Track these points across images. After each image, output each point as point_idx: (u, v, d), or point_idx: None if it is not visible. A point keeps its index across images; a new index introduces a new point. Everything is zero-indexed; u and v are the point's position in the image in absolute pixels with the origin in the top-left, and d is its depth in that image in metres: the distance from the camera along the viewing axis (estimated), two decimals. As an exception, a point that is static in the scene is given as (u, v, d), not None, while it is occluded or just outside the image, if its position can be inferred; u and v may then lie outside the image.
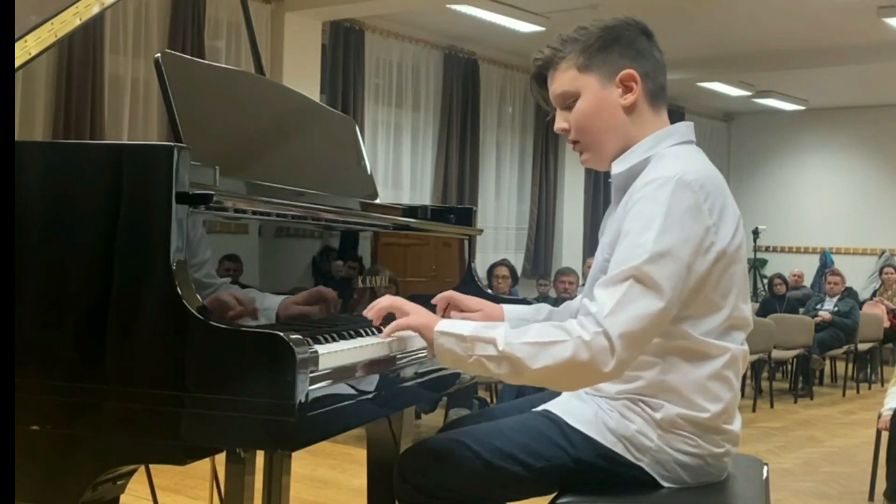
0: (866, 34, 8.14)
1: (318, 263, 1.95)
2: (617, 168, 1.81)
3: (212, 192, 1.56)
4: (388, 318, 1.83)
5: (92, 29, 5.54)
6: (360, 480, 2.65)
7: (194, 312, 1.46)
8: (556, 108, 1.86)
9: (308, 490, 4.35)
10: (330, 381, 1.52)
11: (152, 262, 1.50)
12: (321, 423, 1.50)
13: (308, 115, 2.47)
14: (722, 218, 1.69)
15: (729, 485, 1.84)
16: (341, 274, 2.02)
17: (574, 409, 1.82)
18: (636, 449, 1.75)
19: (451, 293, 2.05)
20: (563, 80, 1.81)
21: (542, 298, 8.08)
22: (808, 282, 11.19)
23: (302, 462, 4.60)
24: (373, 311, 1.82)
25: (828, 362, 8.65)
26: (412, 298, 1.89)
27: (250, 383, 1.43)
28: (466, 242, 2.64)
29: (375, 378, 1.69)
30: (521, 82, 9.60)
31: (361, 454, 2.68)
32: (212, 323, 1.46)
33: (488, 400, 6.28)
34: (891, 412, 4.28)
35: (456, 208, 2.65)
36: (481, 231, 2.76)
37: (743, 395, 6.83)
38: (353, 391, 1.61)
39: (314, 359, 1.47)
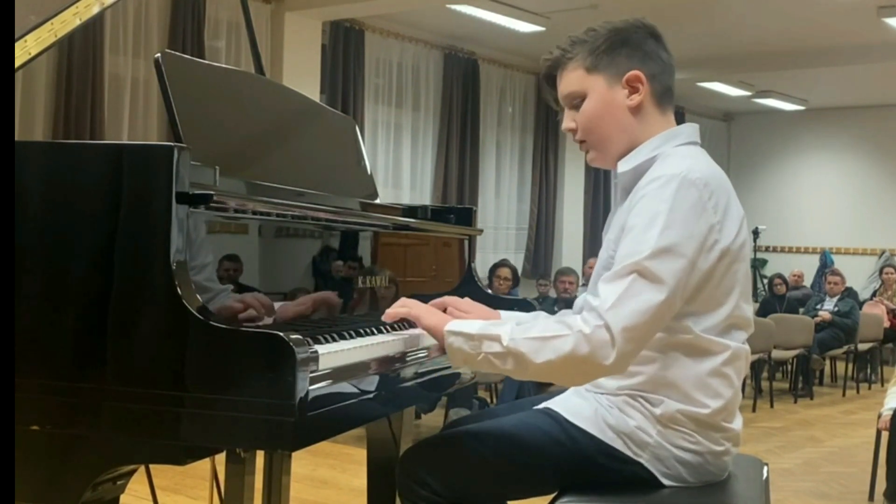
0: (866, 34, 8.14)
1: (318, 263, 1.95)
2: (623, 167, 1.83)
3: (212, 192, 1.56)
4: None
5: (92, 29, 5.54)
6: (360, 480, 2.65)
7: (194, 312, 1.46)
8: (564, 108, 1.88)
9: (308, 490, 4.35)
10: (330, 381, 1.52)
11: (152, 262, 1.50)
12: (321, 423, 1.50)
13: (308, 115, 2.47)
14: (726, 216, 1.71)
15: (729, 484, 1.84)
16: (341, 274, 2.02)
17: (574, 406, 1.83)
18: (635, 444, 1.76)
19: (444, 299, 2.06)
20: (570, 80, 1.84)
21: (542, 298, 8.08)
22: (808, 282, 11.19)
23: (302, 462, 4.60)
24: (388, 317, 1.86)
25: (828, 362, 8.65)
26: (412, 298, 1.90)
27: (250, 383, 1.43)
28: (466, 242, 2.64)
29: (375, 378, 1.69)
30: (521, 82, 9.60)
31: (361, 454, 2.68)
32: (212, 323, 1.46)
33: (488, 400, 6.28)
34: (891, 412, 4.28)
35: (456, 208, 2.65)
36: (481, 231, 2.76)
37: (743, 395, 6.81)
38: (353, 391, 1.61)
39: (314, 359, 1.47)
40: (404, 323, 1.98)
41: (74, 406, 1.53)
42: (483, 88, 9.09)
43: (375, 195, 2.58)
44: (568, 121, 1.86)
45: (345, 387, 1.58)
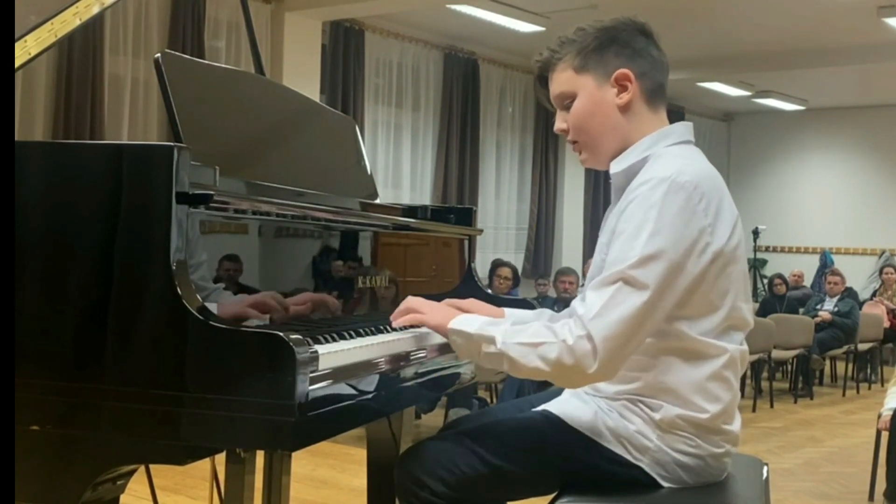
0: (866, 34, 8.14)
1: (317, 263, 1.95)
2: (615, 168, 1.82)
3: (212, 192, 1.56)
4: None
5: (92, 29, 5.53)
6: (360, 480, 2.65)
7: (194, 312, 1.46)
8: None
9: (308, 490, 4.35)
10: (330, 381, 1.52)
11: (152, 262, 1.50)
12: (321, 423, 1.50)
13: (308, 115, 2.47)
14: (718, 218, 1.69)
15: (729, 485, 1.84)
16: (341, 274, 2.02)
17: (573, 409, 1.82)
18: (635, 449, 1.75)
19: (446, 302, 2.06)
20: (560, 80, 1.83)
21: (542, 298, 8.08)
22: (808, 282, 11.19)
23: (302, 462, 4.60)
24: (396, 323, 1.88)
25: (828, 362, 8.65)
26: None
27: (250, 383, 1.43)
28: (466, 242, 2.64)
29: (375, 378, 1.69)
30: (521, 82, 9.60)
31: (361, 454, 2.68)
32: (212, 323, 1.46)
33: (488, 400, 6.28)
34: (891, 412, 4.28)
35: (456, 208, 2.65)
36: (481, 231, 2.76)
37: (743, 395, 6.83)
38: (353, 391, 1.61)
39: (314, 359, 1.47)
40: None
41: (74, 406, 1.53)
42: (483, 88, 9.09)
43: (375, 195, 2.58)
44: (560, 121, 1.86)
45: (345, 387, 1.58)
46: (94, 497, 1.58)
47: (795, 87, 10.84)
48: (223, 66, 2.34)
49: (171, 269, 1.48)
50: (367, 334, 1.87)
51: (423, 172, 8.68)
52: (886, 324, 9.05)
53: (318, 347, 1.55)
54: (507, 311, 2.09)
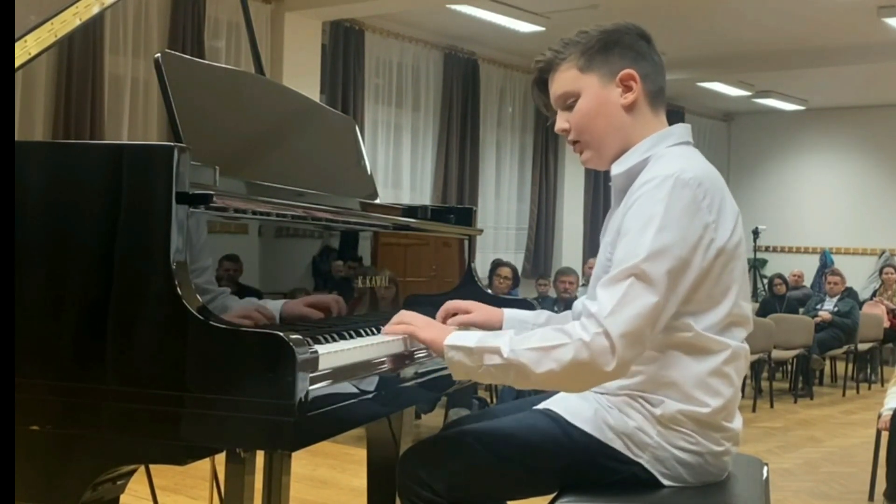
0: (866, 34, 8.14)
1: (317, 264, 1.95)
2: (617, 169, 1.83)
3: (212, 192, 1.56)
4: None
5: (92, 29, 5.53)
6: (360, 480, 2.65)
7: (194, 312, 1.46)
8: (556, 111, 1.89)
9: (308, 490, 4.35)
10: (330, 381, 1.52)
11: (152, 262, 1.50)
12: (321, 423, 1.50)
13: (308, 116, 2.47)
14: (721, 215, 1.71)
15: (729, 485, 1.84)
16: (341, 274, 2.02)
17: (574, 406, 1.83)
18: (636, 445, 1.76)
19: (448, 306, 2.07)
20: (564, 80, 1.85)
21: (542, 298, 8.08)
22: (808, 282, 11.18)
23: (302, 462, 4.60)
24: (387, 333, 1.86)
25: (828, 362, 8.65)
26: (413, 298, 1.90)
27: (250, 383, 1.43)
28: (466, 242, 2.64)
29: (375, 378, 1.69)
30: (521, 82, 9.60)
31: (361, 454, 2.68)
32: (212, 323, 1.46)
33: (488, 400, 6.28)
34: (891, 412, 4.28)
35: (456, 208, 2.65)
36: (481, 231, 2.76)
37: (743, 395, 6.81)
38: (352, 391, 1.61)
39: (314, 359, 1.47)
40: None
41: (74, 406, 1.54)
42: (483, 88, 9.09)
43: (375, 195, 2.58)
44: (561, 121, 1.87)
45: (345, 387, 1.58)
46: (94, 497, 1.58)
47: (795, 87, 10.84)
48: (223, 66, 2.34)
49: (171, 268, 1.48)
50: (367, 334, 1.87)
51: (423, 172, 8.68)
52: (886, 324, 9.04)
53: (318, 347, 1.55)
54: (506, 311, 2.09)
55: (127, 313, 1.53)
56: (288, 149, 2.29)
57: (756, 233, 11.17)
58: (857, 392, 8.25)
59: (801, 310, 8.82)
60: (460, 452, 1.79)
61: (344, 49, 7.60)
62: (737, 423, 1.82)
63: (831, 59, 8.91)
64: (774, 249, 12.58)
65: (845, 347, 8.37)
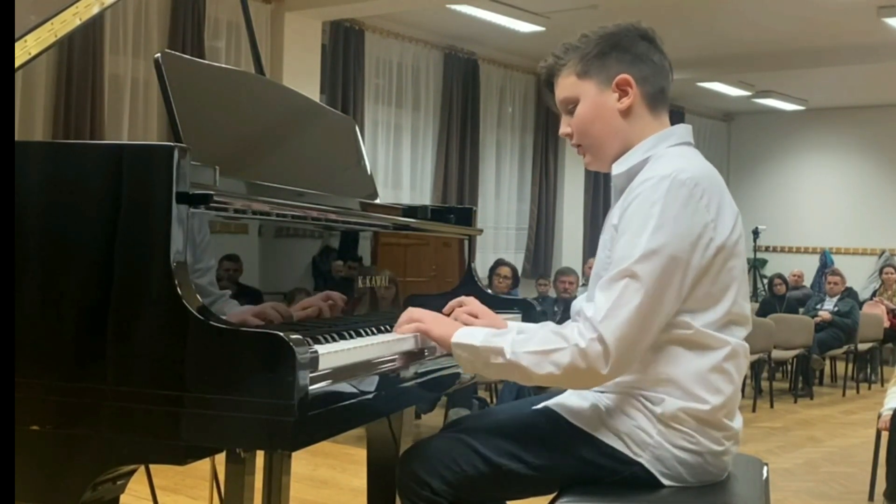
0: (866, 34, 8.14)
1: (318, 264, 1.95)
2: (617, 169, 1.85)
3: (212, 192, 1.56)
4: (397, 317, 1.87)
5: (92, 29, 5.53)
6: (360, 480, 2.65)
7: (194, 312, 1.46)
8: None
9: (308, 490, 4.35)
10: (330, 381, 1.52)
11: (152, 263, 1.50)
12: (321, 423, 1.50)
13: (308, 115, 2.47)
14: (720, 213, 1.73)
15: (729, 485, 1.84)
16: (341, 274, 2.02)
17: (573, 405, 1.84)
18: (636, 445, 1.77)
19: (458, 300, 2.08)
20: (564, 86, 1.89)
21: (542, 298, 8.08)
22: (808, 282, 11.19)
23: (302, 462, 4.60)
24: (400, 331, 1.89)
25: (828, 362, 8.65)
26: (413, 298, 1.90)
27: (250, 383, 1.43)
28: (466, 242, 2.64)
29: (375, 378, 1.69)
30: (521, 82, 9.60)
31: (361, 454, 2.68)
32: (212, 323, 1.46)
33: (488, 400, 6.28)
34: (891, 412, 4.28)
35: (456, 208, 2.65)
36: (481, 231, 2.76)
37: (743, 396, 6.82)
38: (352, 391, 1.61)
39: (314, 359, 1.48)
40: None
41: (74, 406, 1.53)
42: (483, 88, 9.09)
43: (375, 195, 2.58)
44: (564, 126, 1.91)
45: (345, 387, 1.58)
46: (94, 497, 1.58)
47: (795, 87, 10.84)
48: (223, 66, 2.34)
49: (171, 268, 1.48)
50: (367, 334, 1.87)
51: (423, 172, 8.68)
52: (886, 324, 9.05)
53: (318, 347, 1.55)
54: (511, 325, 2.08)
55: (127, 313, 1.53)
56: (288, 149, 2.29)
57: (756, 233, 11.17)
58: (857, 392, 8.25)
59: (801, 310, 8.82)
60: (460, 452, 1.79)
61: (344, 49, 7.59)
62: (737, 422, 1.83)
63: (831, 59, 8.91)
64: (774, 249, 12.58)
65: (845, 347, 8.37)
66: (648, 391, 1.76)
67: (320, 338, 1.72)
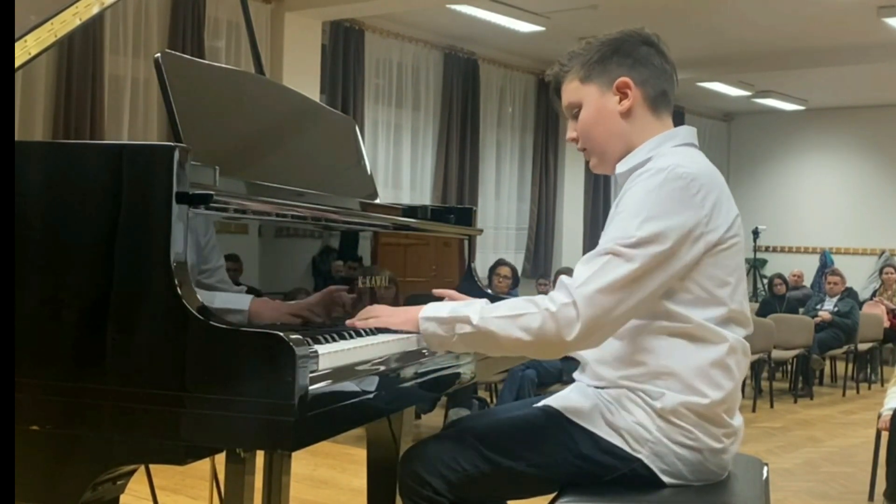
0: (866, 34, 8.14)
1: (318, 264, 1.95)
2: (620, 168, 1.88)
3: (212, 192, 1.56)
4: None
5: (92, 29, 5.53)
6: (360, 480, 2.65)
7: (194, 312, 1.46)
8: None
9: (308, 490, 4.35)
10: (330, 381, 1.52)
11: (152, 262, 1.50)
12: (321, 422, 1.50)
13: (308, 116, 2.47)
14: (715, 211, 1.74)
15: (729, 484, 1.84)
16: (341, 274, 2.02)
17: (573, 403, 1.84)
18: (635, 440, 1.77)
19: (450, 292, 2.09)
20: (568, 92, 1.93)
21: (542, 298, 8.07)
22: (808, 282, 11.19)
23: (302, 462, 4.60)
24: (354, 324, 1.87)
25: (828, 362, 8.65)
26: (413, 298, 1.89)
27: (250, 383, 1.43)
28: (466, 242, 2.64)
29: (375, 378, 1.69)
30: (521, 82, 9.60)
31: (361, 454, 2.68)
32: (212, 323, 1.46)
33: (488, 400, 6.28)
34: (891, 412, 4.28)
35: (456, 208, 2.65)
36: (481, 231, 2.76)
37: (743, 396, 6.81)
38: (353, 391, 1.61)
39: (314, 359, 1.47)
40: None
41: (74, 406, 1.53)
42: (483, 88, 9.09)
43: (375, 195, 2.58)
44: (570, 131, 1.94)
45: (345, 387, 1.58)
46: (94, 497, 1.58)
47: (795, 87, 10.84)
48: (223, 66, 2.34)
49: (172, 268, 1.48)
50: (367, 334, 1.87)
51: (423, 172, 8.68)
52: (886, 324, 9.05)
53: (318, 347, 1.55)
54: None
55: (127, 313, 1.53)
56: (288, 149, 2.29)
57: (756, 233, 11.18)
58: (857, 392, 8.25)
59: (801, 310, 8.82)
60: (460, 452, 1.80)
61: (344, 49, 7.60)
62: (737, 420, 1.83)
63: (831, 59, 8.91)
64: (774, 249, 12.58)
65: (845, 347, 8.37)
66: (648, 385, 1.77)
67: (320, 338, 1.72)
